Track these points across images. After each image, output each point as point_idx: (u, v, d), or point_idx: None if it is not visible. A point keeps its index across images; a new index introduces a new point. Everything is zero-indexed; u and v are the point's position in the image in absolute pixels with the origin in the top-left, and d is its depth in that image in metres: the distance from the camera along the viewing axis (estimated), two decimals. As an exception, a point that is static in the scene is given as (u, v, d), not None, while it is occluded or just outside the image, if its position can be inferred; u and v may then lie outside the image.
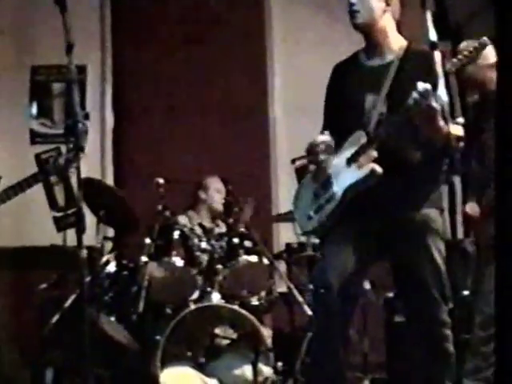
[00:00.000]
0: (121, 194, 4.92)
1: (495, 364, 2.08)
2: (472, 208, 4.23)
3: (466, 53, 3.10)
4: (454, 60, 3.11)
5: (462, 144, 3.16)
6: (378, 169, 3.23)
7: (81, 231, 2.93)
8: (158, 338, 4.33)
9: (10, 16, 6.23)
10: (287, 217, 5.03)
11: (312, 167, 3.46)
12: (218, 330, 4.53)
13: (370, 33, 3.41)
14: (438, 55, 2.93)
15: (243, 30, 6.46)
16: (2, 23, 6.18)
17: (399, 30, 3.48)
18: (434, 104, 3.02)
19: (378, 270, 3.62)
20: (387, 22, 3.40)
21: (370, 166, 3.24)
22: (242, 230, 4.86)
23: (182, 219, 5.21)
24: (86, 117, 5.78)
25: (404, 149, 3.29)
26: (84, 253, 2.95)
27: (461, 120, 3.26)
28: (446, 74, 3.11)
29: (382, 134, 3.24)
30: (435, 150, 3.20)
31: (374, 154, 3.25)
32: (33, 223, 5.83)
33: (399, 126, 3.18)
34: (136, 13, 6.50)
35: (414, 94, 3.04)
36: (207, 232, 4.95)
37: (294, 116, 6.22)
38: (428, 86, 2.99)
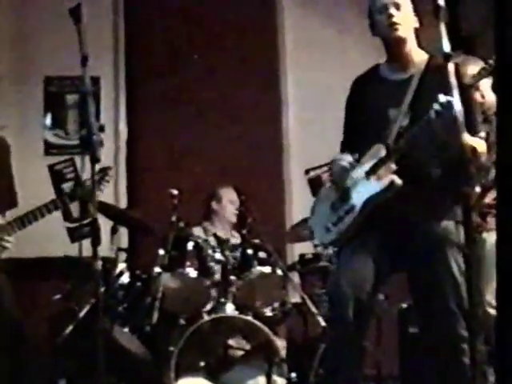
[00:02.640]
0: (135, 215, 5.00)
1: (495, 365, 2.08)
2: None
3: (487, 66, 3.11)
4: (475, 74, 3.12)
5: (482, 158, 3.18)
6: (398, 180, 3.23)
7: (96, 243, 2.91)
8: (171, 348, 4.33)
9: (23, 27, 6.27)
10: (302, 235, 5.03)
11: (327, 180, 3.47)
12: (231, 341, 4.53)
13: (399, 47, 3.38)
14: (451, 66, 2.93)
15: (256, 40, 6.49)
16: (16, 33, 6.22)
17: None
18: (456, 116, 3.00)
19: (391, 280, 3.60)
20: (413, 37, 3.40)
21: (389, 177, 3.24)
22: (256, 241, 4.86)
23: (197, 231, 5.20)
24: (101, 129, 5.80)
25: (424, 161, 3.29)
26: (99, 264, 2.95)
27: (483, 134, 3.27)
28: (467, 87, 3.11)
29: (402, 146, 3.24)
30: (454, 162, 3.19)
31: (393, 166, 3.25)
32: (47, 234, 5.82)
33: (420, 137, 3.18)
34: (150, 24, 6.53)
35: (436, 106, 3.04)
36: (222, 243, 4.94)
37: (307, 126, 6.23)
38: (450, 97, 2.97)
